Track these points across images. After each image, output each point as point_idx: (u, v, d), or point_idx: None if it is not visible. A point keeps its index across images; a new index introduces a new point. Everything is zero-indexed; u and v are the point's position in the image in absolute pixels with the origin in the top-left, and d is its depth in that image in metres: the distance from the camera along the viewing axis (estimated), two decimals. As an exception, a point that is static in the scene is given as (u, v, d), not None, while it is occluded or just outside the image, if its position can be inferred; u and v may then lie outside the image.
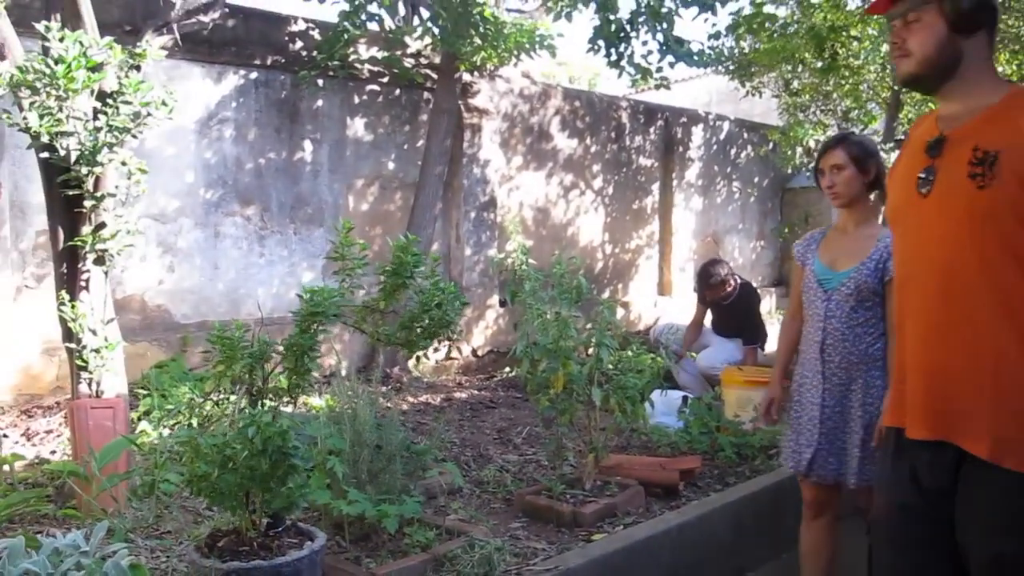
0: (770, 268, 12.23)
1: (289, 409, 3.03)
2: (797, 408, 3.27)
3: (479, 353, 8.00)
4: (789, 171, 12.01)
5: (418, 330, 2.89)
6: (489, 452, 4.86)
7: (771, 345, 7.33)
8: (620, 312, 9.37)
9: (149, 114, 3.70)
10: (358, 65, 7.13)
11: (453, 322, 2.94)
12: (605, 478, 4.06)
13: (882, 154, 6.76)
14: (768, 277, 12.05)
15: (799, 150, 7.75)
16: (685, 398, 5.55)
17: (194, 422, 2.98)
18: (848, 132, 3.17)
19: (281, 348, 2.81)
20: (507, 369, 7.47)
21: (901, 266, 2.14)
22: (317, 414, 4.23)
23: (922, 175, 2.00)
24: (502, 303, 8.16)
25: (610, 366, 3.96)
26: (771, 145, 10.37)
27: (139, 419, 4.89)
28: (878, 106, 8.23)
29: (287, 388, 2.80)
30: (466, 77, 7.65)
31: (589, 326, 4.05)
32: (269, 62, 6.74)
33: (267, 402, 2.75)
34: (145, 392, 5.30)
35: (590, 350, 3.98)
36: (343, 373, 4.92)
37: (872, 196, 3.21)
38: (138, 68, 3.88)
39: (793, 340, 3.38)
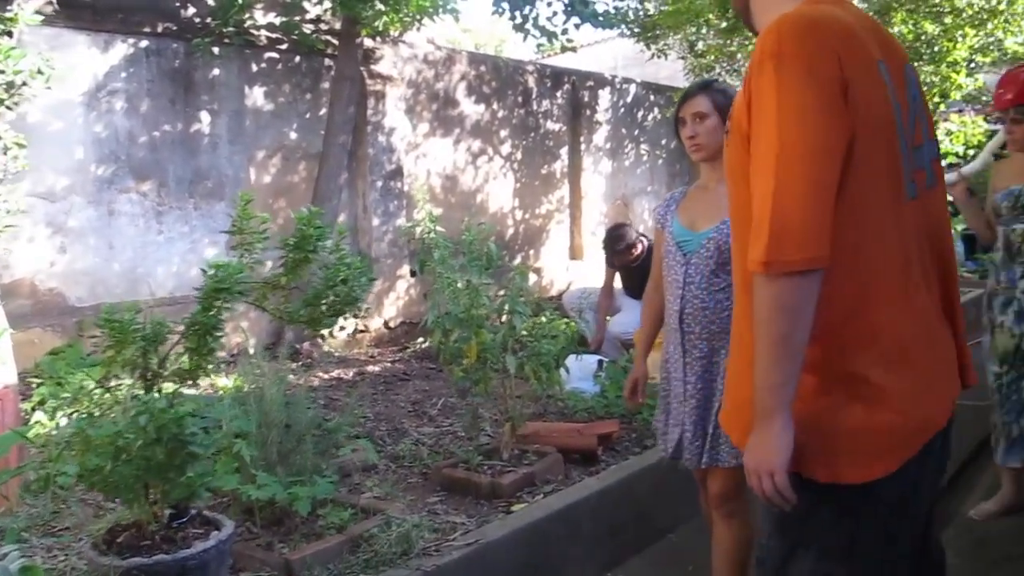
0: (679, 229, 12.31)
1: (193, 391, 2.89)
2: (664, 385, 3.00)
3: (391, 325, 7.86)
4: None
5: (323, 307, 2.76)
6: (404, 425, 4.77)
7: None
8: (532, 278, 9.30)
9: (24, 84, 3.46)
10: (255, 32, 6.86)
11: (360, 298, 2.82)
12: (523, 447, 4.01)
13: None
14: (677, 238, 12.12)
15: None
16: (600, 362, 5.53)
17: (92, 411, 2.81)
18: (712, 79, 2.83)
19: (180, 328, 2.65)
20: (420, 340, 7.36)
21: None
22: (223, 395, 4.06)
23: None
24: (412, 273, 8.03)
25: (524, 333, 3.90)
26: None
27: (33, 409, 4.64)
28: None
29: (189, 370, 2.65)
30: (368, 43, 7.45)
31: (502, 293, 3.97)
32: (160, 29, 6.43)
33: (164, 387, 2.60)
34: (39, 381, 5.03)
35: (503, 318, 3.91)
36: (251, 351, 4.75)
37: None
38: (9, 34, 3.64)
39: (658, 312, 3.04)
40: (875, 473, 1.64)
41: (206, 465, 2.58)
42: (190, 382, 2.79)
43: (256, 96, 7.06)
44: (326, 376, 6.01)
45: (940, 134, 8.15)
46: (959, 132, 8.55)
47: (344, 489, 3.57)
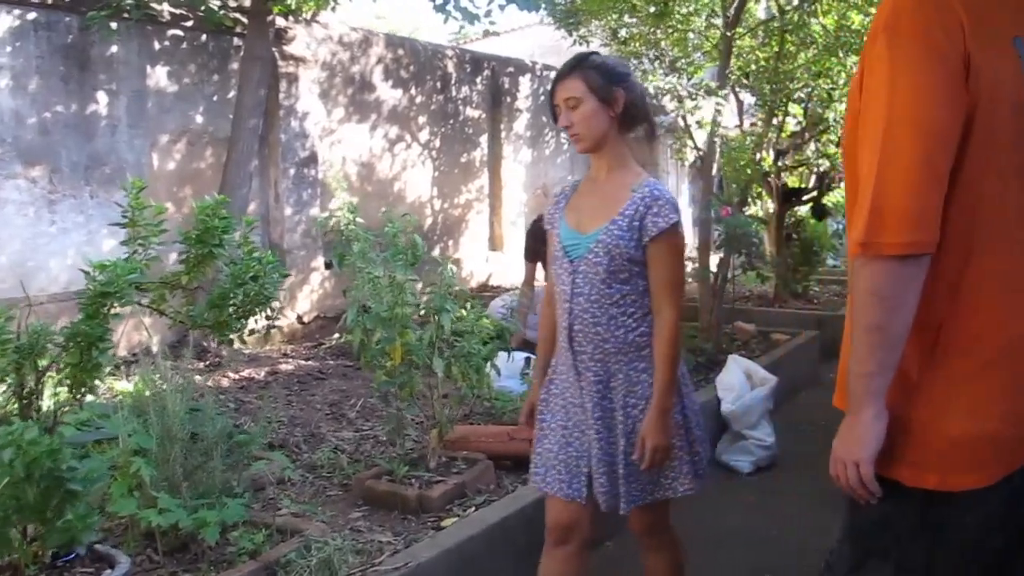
0: (599, 220, 12.20)
1: (90, 398, 2.55)
2: (544, 409, 2.57)
3: (305, 320, 7.50)
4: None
5: (230, 309, 2.45)
6: (322, 430, 4.45)
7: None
8: (452, 269, 9.06)
9: None
10: (156, 6, 6.40)
11: (272, 297, 2.52)
12: (451, 454, 3.75)
13: (710, 101, 6.76)
14: (597, 229, 12.00)
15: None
16: (528, 359, 5.30)
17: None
18: (588, 52, 2.50)
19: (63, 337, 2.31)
20: (336, 336, 7.02)
21: None
22: (122, 402, 3.70)
23: None
24: (327, 265, 7.67)
25: (452, 332, 3.64)
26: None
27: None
28: (704, 56, 8.20)
29: (70, 389, 2.30)
30: (280, 22, 7.05)
31: (428, 290, 3.70)
32: (50, 1, 5.94)
33: (43, 405, 2.25)
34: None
35: (431, 316, 3.63)
36: (153, 350, 4.39)
37: (632, 134, 2.48)
38: None
39: (554, 329, 2.57)
40: (967, 483, 1.51)
41: (89, 504, 2.23)
42: (69, 406, 2.44)
43: (159, 76, 6.60)
44: (236, 376, 5.63)
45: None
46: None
47: (257, 505, 3.26)
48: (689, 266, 10.99)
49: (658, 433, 2.31)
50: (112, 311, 2.20)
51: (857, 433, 1.53)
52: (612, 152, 2.43)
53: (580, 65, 2.41)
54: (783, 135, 8.33)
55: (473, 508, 3.36)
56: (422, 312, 3.64)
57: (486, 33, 7.13)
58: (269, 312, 2.52)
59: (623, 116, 2.40)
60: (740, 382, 4.93)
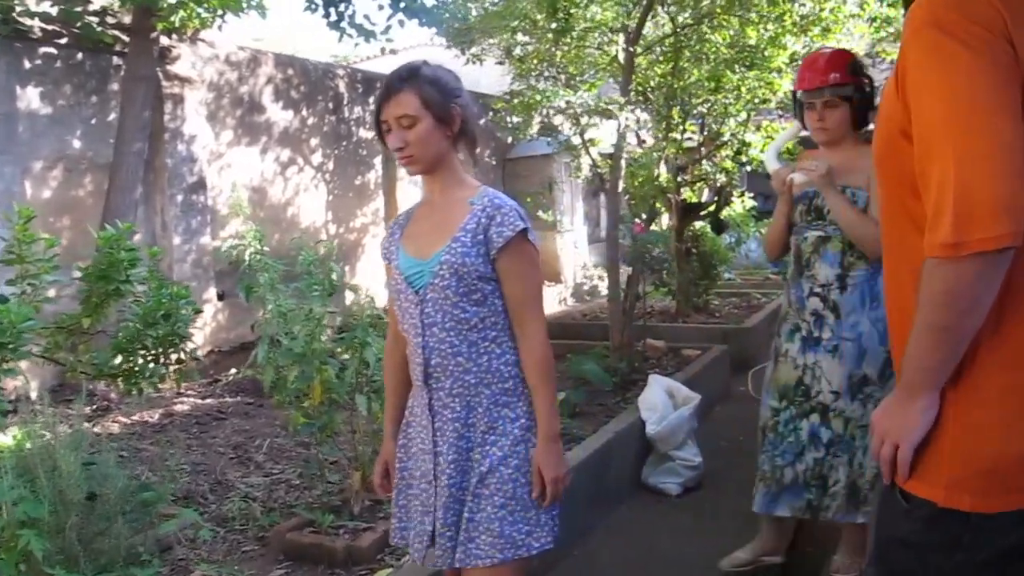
0: (496, 240, 12.04)
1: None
2: (404, 456, 2.28)
3: (198, 355, 7.06)
4: (509, 141, 11.90)
5: (141, 353, 2.15)
6: (228, 477, 4.10)
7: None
8: (350, 296, 8.75)
9: None
10: (27, 22, 5.92)
11: (185, 336, 2.23)
12: (375, 497, 3.48)
13: (611, 121, 6.69)
14: (495, 250, 11.84)
15: (536, 118, 7.48)
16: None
17: None
18: (419, 63, 2.21)
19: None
20: (233, 371, 6.63)
21: None
22: (2, 463, 3.29)
23: None
24: (220, 296, 7.27)
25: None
26: (490, 114, 10.12)
27: None
28: (599, 74, 8.15)
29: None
30: (164, 40, 6.65)
31: (350, 322, 3.43)
32: (-95, 18, 5.43)
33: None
34: None
35: (348, 352, 3.37)
36: (33, 395, 3.97)
37: (461, 152, 2.24)
38: None
39: (400, 372, 2.33)
40: (1003, 505, 1.41)
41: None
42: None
43: (31, 97, 6.12)
44: (128, 421, 5.20)
45: (756, 138, 8.21)
46: (768, 142, 8.68)
47: (166, 570, 2.93)
48: (601, 285, 10.88)
49: (553, 463, 2.10)
50: (5, 366, 1.87)
51: (907, 416, 1.49)
52: (446, 171, 2.19)
53: (414, 78, 2.13)
54: (681, 151, 8.34)
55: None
56: (341, 348, 3.37)
57: (384, 51, 6.85)
58: (182, 354, 2.23)
59: (458, 134, 2.18)
60: (663, 401, 4.80)
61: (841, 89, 3.07)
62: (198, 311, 2.34)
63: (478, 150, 2.23)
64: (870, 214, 2.99)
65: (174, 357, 2.20)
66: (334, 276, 3.39)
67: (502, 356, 2.14)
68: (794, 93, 3.23)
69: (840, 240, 3.09)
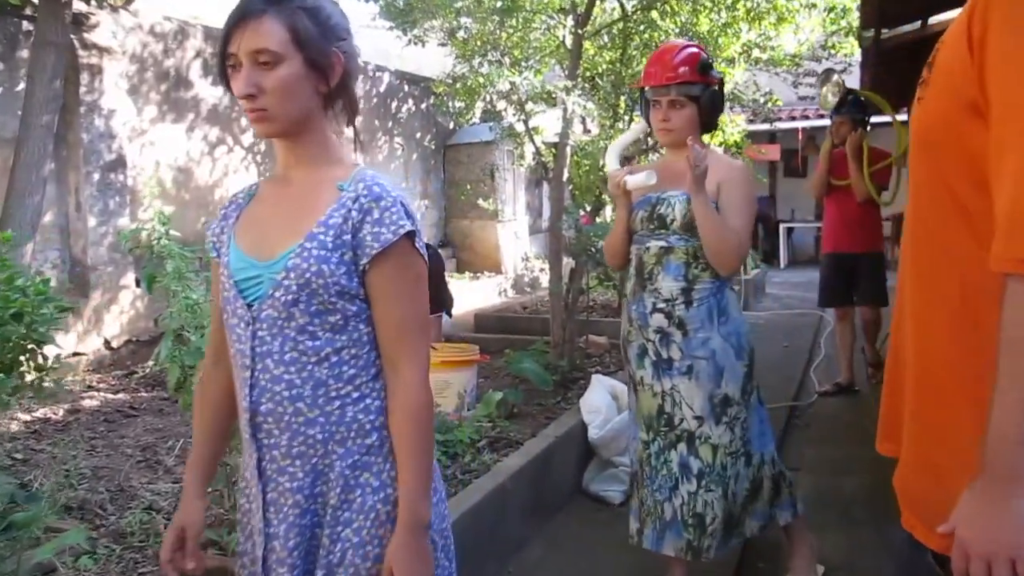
0: (436, 229, 11.76)
1: None
2: (241, 540, 1.70)
3: (114, 345, 6.63)
4: (452, 127, 11.58)
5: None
6: (132, 483, 3.73)
7: (455, 313, 6.77)
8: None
9: None
10: (-77, -18, 5.46)
11: (45, 340, 1.88)
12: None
13: (556, 108, 6.43)
14: (434, 238, 11.56)
15: (479, 103, 7.19)
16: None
17: None
18: None
19: None
20: (151, 363, 6.22)
21: None
22: None
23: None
24: (139, 283, 6.84)
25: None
26: (431, 98, 9.80)
27: None
28: (543, 59, 7.87)
29: None
30: (80, 6, 6.19)
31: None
32: None
33: None
34: None
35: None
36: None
37: (338, 113, 1.67)
38: None
39: (217, 409, 1.75)
40: None
41: None
42: None
43: (-72, 64, 5.64)
44: (28, 418, 4.79)
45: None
46: (716, 132, 8.50)
47: (45, 598, 2.58)
48: (542, 278, 10.63)
49: (411, 564, 1.51)
50: None
51: (1011, 517, 1.13)
52: (311, 139, 1.62)
53: (283, 1, 1.51)
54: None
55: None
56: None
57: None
58: (41, 360, 1.88)
59: (335, 91, 1.61)
60: (606, 404, 4.55)
61: (689, 88, 2.83)
62: (65, 308, 1.98)
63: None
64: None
65: (32, 365, 1.86)
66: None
67: (361, 402, 1.56)
68: (641, 90, 2.98)
69: (684, 251, 2.84)
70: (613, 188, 2.93)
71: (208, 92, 7.77)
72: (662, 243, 2.87)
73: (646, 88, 2.92)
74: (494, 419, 4.51)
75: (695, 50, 2.92)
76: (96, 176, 6.53)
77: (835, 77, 5.96)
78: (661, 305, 2.87)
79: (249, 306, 1.56)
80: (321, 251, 1.52)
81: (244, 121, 8.21)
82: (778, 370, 6.90)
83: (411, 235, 1.55)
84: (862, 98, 5.95)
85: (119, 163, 6.73)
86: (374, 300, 1.56)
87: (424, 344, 1.61)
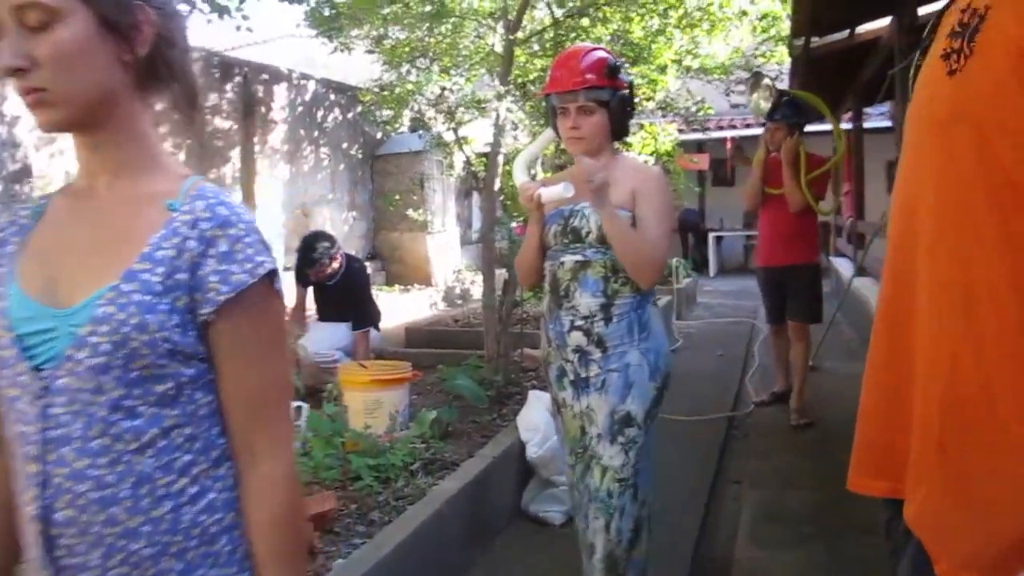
0: (364, 240, 11.50)
1: None
2: None
3: None
4: (380, 136, 11.36)
5: None
6: None
7: (384, 327, 6.55)
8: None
9: None
10: None
11: None
12: (210, 548, 2.90)
13: (488, 115, 6.25)
14: (362, 251, 11.29)
15: (407, 112, 6.98)
16: (299, 409, 4.49)
17: None
18: None
19: None
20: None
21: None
22: None
23: (914, 74, 1.22)
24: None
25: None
26: (358, 109, 9.57)
27: None
28: (472, 67, 7.71)
29: None
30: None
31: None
32: None
33: None
34: None
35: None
36: None
37: (156, 101, 1.25)
38: None
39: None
40: None
41: None
42: None
43: None
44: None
45: (637, 139, 7.94)
46: (648, 141, 8.45)
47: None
48: (475, 290, 10.42)
49: None
50: None
51: None
52: (121, 133, 1.19)
53: None
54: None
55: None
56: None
57: (238, 28, 6.16)
58: None
59: (149, 65, 1.19)
60: (544, 420, 4.36)
61: (598, 92, 2.64)
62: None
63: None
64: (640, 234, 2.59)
65: None
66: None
67: (203, 498, 1.15)
68: (546, 95, 2.76)
69: (602, 264, 2.62)
70: (526, 201, 2.70)
71: (122, 99, 7.42)
72: (578, 257, 2.65)
73: (552, 95, 2.71)
74: (428, 439, 4.30)
75: (603, 53, 2.73)
76: None
77: (765, 80, 5.82)
78: (579, 323, 2.64)
79: (37, 371, 1.09)
80: (144, 296, 1.09)
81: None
82: (714, 380, 6.84)
83: (271, 275, 1.18)
84: (797, 100, 5.66)
85: (24, 173, 6.36)
86: (220, 362, 1.15)
87: (287, 420, 1.23)
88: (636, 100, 2.82)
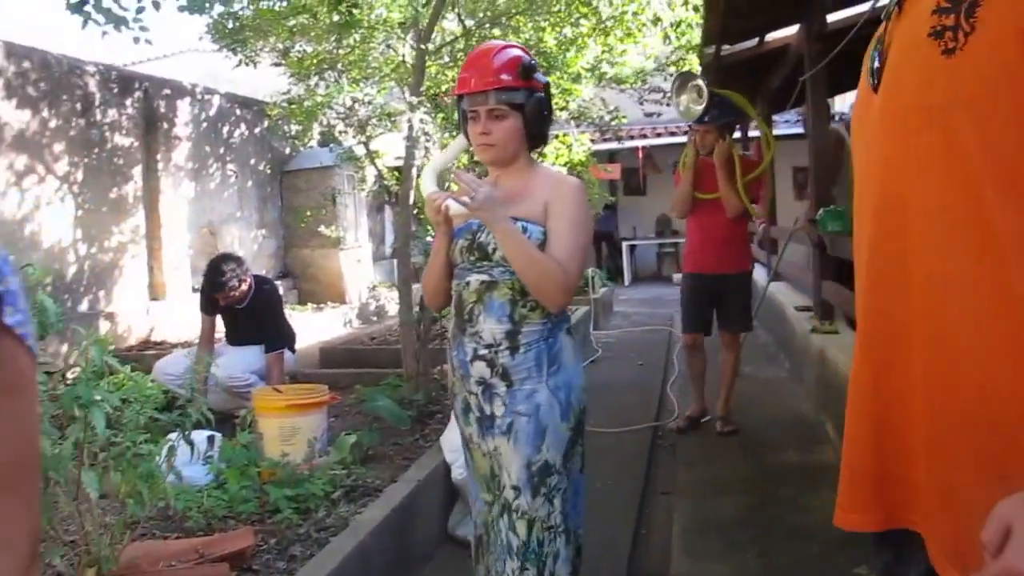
0: (274, 259, 11.19)
1: None
2: None
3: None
4: (288, 152, 11.10)
5: None
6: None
7: (298, 348, 6.34)
8: (105, 326, 7.68)
9: None
10: None
11: None
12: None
13: (398, 128, 6.11)
14: (273, 269, 10.99)
15: (317, 126, 6.78)
16: (211, 438, 4.25)
17: None
18: None
19: None
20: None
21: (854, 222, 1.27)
22: None
23: (874, 53, 1.10)
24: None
25: (107, 433, 2.59)
26: (265, 123, 9.31)
27: None
28: (382, 80, 7.55)
29: None
30: None
31: (73, 371, 2.64)
32: None
33: None
34: None
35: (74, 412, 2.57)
36: None
37: None
38: None
39: None
40: None
41: None
42: None
43: None
44: None
45: (550, 149, 7.89)
46: (562, 151, 8.41)
47: None
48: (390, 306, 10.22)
49: None
50: None
51: None
52: None
53: None
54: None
55: None
56: (64, 410, 2.57)
57: (136, 40, 5.88)
58: None
59: None
60: (467, 441, 4.26)
61: (512, 95, 2.38)
62: None
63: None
64: (550, 253, 2.35)
65: None
66: (50, 310, 2.54)
67: None
68: (458, 98, 2.49)
69: (509, 286, 2.37)
70: (433, 214, 2.48)
71: (13, 116, 7.04)
72: (483, 277, 2.40)
73: (463, 97, 2.44)
74: (349, 465, 4.13)
75: (517, 51, 2.47)
76: None
77: (695, 81, 5.49)
78: (482, 351, 2.39)
79: None
80: None
81: (57, 148, 7.51)
82: (636, 390, 6.81)
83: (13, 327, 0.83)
84: (727, 101, 5.41)
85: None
86: None
87: (23, 505, 0.84)
88: (551, 104, 2.56)
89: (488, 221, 2.32)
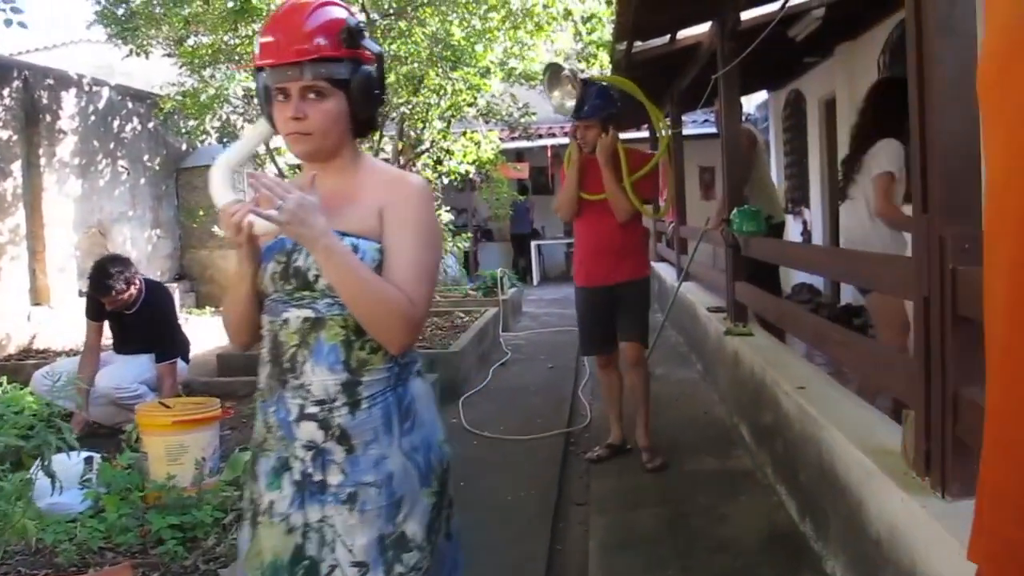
0: (170, 260, 10.71)
1: None
2: None
3: None
4: (184, 148, 10.65)
5: None
6: None
7: (194, 354, 5.99)
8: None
9: None
10: None
11: None
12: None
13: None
14: (169, 271, 10.51)
15: (214, 120, 6.43)
16: (90, 459, 3.88)
17: None
18: None
19: None
20: None
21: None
22: None
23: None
24: None
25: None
26: (163, 118, 8.86)
27: None
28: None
29: None
30: None
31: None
32: None
33: None
34: None
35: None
36: None
37: None
38: None
39: None
40: None
41: None
42: None
43: None
44: None
45: (458, 147, 7.69)
46: (470, 149, 8.22)
47: None
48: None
49: None
50: None
51: None
52: None
53: None
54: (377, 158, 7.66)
55: None
56: None
57: (8, 23, 5.43)
58: None
59: None
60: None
61: (333, 67, 1.75)
62: None
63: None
64: (389, 276, 1.76)
65: None
66: None
67: None
68: (257, 70, 1.80)
69: (341, 324, 1.77)
70: (229, 230, 1.79)
71: None
72: (306, 312, 1.78)
73: (265, 71, 1.77)
74: (243, 485, 3.82)
75: (339, 11, 1.81)
76: None
77: (564, 72, 4.92)
78: (312, 410, 1.78)
79: None
80: None
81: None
82: (546, 394, 6.65)
83: None
84: (606, 90, 4.75)
85: None
86: None
87: None
88: (383, 81, 1.95)
89: (303, 238, 1.69)
